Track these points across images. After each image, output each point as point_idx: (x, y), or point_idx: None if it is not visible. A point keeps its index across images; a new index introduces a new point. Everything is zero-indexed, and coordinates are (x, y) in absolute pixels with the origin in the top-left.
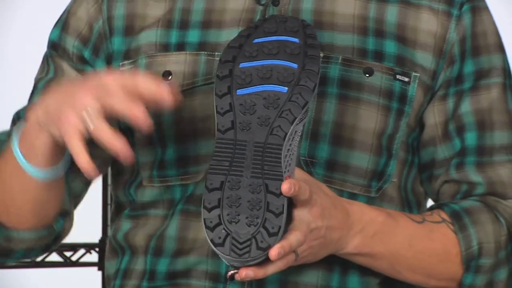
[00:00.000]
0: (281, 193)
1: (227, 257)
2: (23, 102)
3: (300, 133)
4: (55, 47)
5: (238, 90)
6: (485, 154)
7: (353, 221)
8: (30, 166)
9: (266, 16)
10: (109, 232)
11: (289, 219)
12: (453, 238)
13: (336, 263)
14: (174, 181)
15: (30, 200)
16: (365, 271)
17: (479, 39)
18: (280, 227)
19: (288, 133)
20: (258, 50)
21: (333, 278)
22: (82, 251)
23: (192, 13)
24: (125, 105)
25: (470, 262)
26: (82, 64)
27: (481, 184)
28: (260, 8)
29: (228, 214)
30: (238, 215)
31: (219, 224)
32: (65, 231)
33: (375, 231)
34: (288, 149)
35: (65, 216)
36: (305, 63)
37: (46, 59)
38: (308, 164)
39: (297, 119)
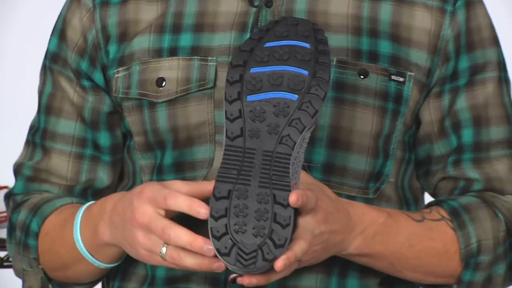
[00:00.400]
0: (288, 204)
1: (233, 266)
2: (23, 102)
3: (307, 140)
4: (54, 59)
5: (248, 96)
6: (482, 150)
7: (355, 222)
8: (96, 260)
9: (276, 19)
10: None
11: (294, 225)
12: (452, 236)
13: (335, 266)
14: None
15: (88, 275)
16: (364, 274)
17: (474, 34)
18: (286, 239)
19: (297, 142)
20: (269, 55)
21: (331, 282)
22: None
23: (184, 17)
24: (186, 203)
25: (469, 260)
26: (80, 78)
27: (479, 180)
28: (253, 10)
29: (235, 224)
30: (245, 225)
31: (225, 233)
32: None
33: (376, 232)
34: (296, 157)
35: None
36: (316, 71)
37: (45, 69)
38: (305, 168)
39: (306, 128)
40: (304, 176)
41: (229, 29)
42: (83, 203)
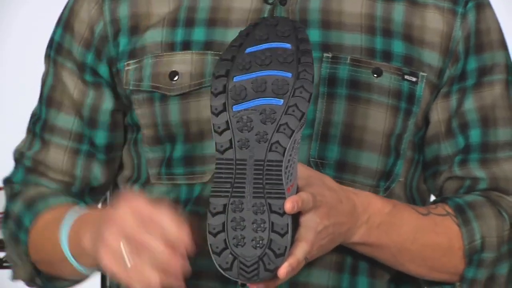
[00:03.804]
0: (284, 212)
1: (237, 279)
2: (23, 102)
3: (299, 140)
4: (58, 49)
5: (234, 106)
6: (489, 151)
7: (360, 211)
8: (79, 264)
9: (255, 21)
10: None
11: (294, 229)
12: (456, 232)
13: (346, 264)
14: (180, 180)
15: (73, 276)
16: (374, 272)
17: (483, 36)
18: (286, 247)
19: (287, 147)
20: (251, 61)
21: (343, 279)
22: None
23: (197, 11)
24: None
25: (473, 256)
26: (84, 72)
27: (484, 179)
28: (268, 7)
29: (233, 238)
30: (244, 238)
31: (225, 248)
32: None
33: (381, 222)
34: (289, 160)
35: None
36: (299, 72)
37: (48, 60)
38: (318, 165)
39: (295, 132)
40: (303, 170)
41: (243, 25)
42: (77, 203)
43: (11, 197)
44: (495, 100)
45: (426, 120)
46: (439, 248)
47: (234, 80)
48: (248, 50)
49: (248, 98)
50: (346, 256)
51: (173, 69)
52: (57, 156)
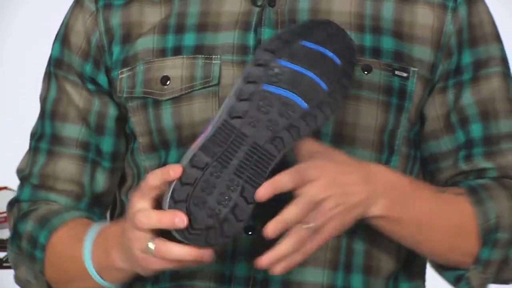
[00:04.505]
0: (252, 202)
1: (175, 233)
2: (24, 102)
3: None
4: (58, 64)
5: (264, 84)
6: (493, 144)
7: (375, 185)
8: (103, 280)
9: (319, 19)
10: None
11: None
12: (471, 211)
13: (340, 261)
14: None
15: None
16: (369, 269)
17: (476, 30)
18: (233, 233)
19: (286, 148)
20: (301, 54)
21: (337, 277)
22: None
23: (187, 17)
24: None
25: (487, 236)
26: (85, 82)
27: (493, 169)
28: (256, 9)
29: (196, 196)
30: (205, 202)
31: (183, 201)
32: None
33: (398, 196)
34: (278, 159)
35: None
36: (333, 90)
37: (49, 75)
38: None
39: (301, 139)
40: (308, 145)
41: (233, 28)
42: (90, 217)
43: (21, 217)
44: (493, 93)
45: (421, 116)
46: (455, 226)
47: (277, 61)
48: (304, 43)
49: (281, 84)
50: (339, 254)
51: (165, 74)
52: (65, 165)
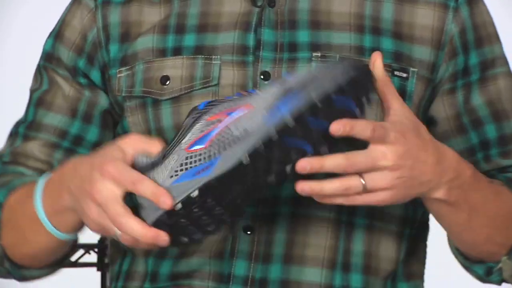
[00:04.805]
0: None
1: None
2: (23, 102)
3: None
4: (49, 58)
5: (282, 100)
6: (509, 143)
7: (447, 168)
8: (55, 229)
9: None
10: None
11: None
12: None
13: (338, 260)
14: None
15: (46, 250)
16: (368, 269)
17: (481, 30)
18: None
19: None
20: (324, 102)
21: (335, 276)
22: (81, 251)
23: (187, 17)
24: (151, 190)
25: None
26: (77, 76)
27: None
28: (256, 10)
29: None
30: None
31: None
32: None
33: (464, 183)
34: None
35: None
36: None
37: (39, 70)
38: None
39: (287, 166)
40: (403, 109)
41: (233, 28)
42: None
43: None
44: (500, 93)
45: (430, 118)
46: (500, 216)
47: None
48: (328, 91)
49: (298, 135)
50: (337, 253)
51: (165, 74)
52: (36, 147)
